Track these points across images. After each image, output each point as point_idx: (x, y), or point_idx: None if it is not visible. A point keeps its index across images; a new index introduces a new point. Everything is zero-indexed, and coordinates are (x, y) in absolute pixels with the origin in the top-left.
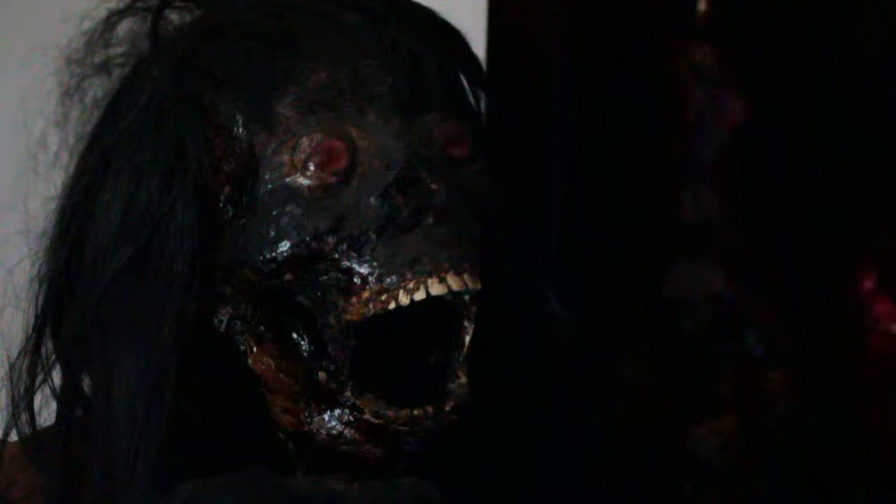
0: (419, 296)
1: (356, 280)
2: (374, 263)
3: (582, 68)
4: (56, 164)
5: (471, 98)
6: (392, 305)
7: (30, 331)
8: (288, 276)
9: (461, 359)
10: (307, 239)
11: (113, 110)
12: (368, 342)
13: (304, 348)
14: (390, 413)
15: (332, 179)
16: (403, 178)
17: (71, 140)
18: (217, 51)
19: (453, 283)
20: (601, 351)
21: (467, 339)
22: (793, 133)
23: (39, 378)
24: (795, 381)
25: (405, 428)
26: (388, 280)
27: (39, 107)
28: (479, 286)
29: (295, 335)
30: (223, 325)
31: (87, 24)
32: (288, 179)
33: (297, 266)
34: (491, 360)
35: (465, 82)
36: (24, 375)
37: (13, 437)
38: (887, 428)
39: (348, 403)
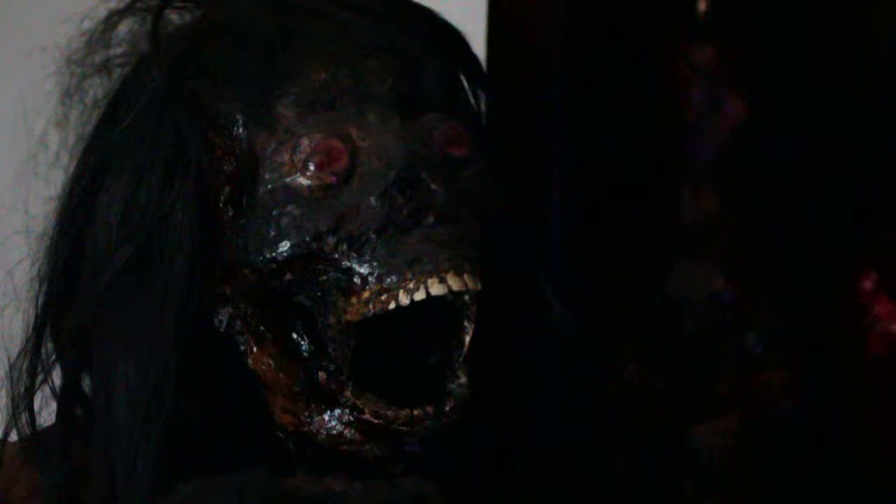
0: (419, 296)
1: (356, 280)
2: (374, 263)
3: (582, 68)
4: (56, 164)
5: (471, 98)
6: (392, 305)
7: (30, 331)
8: (288, 276)
9: (461, 359)
10: (307, 239)
11: (113, 110)
12: (368, 342)
13: (304, 348)
14: (390, 413)
15: (332, 179)
16: (403, 178)
17: (71, 140)
18: (217, 51)
19: (453, 283)
20: (601, 351)
21: (467, 339)
22: (793, 132)
23: (39, 378)
24: (795, 381)
25: (405, 428)
26: (388, 280)
27: (39, 107)
28: (479, 286)
29: (295, 335)
30: (223, 325)
31: (87, 24)
32: (288, 179)
33: (297, 266)
34: (491, 360)
35: (465, 82)
36: (24, 375)
37: (13, 437)
38: (887, 428)
39: (348, 403)
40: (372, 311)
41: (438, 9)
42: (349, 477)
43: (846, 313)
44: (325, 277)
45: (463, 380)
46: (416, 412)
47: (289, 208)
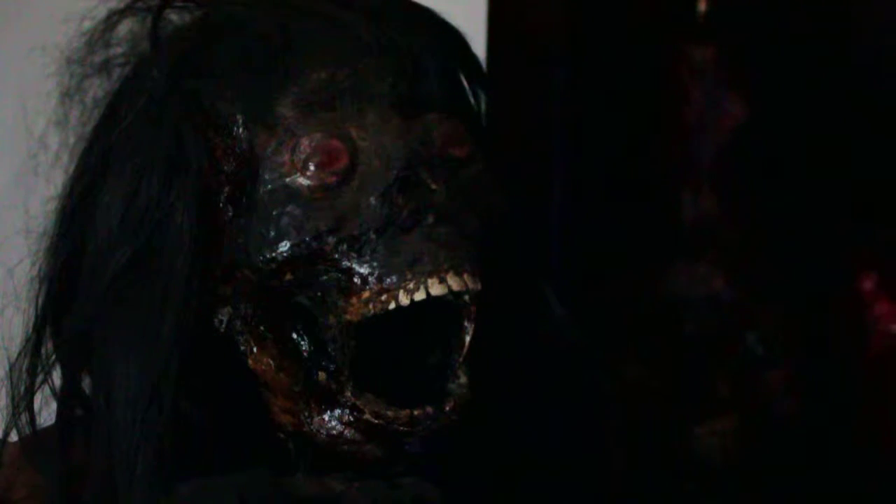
0: (419, 296)
1: (356, 280)
2: (374, 263)
3: (582, 68)
4: (56, 164)
5: (471, 98)
6: (392, 305)
7: (30, 331)
8: (288, 276)
9: (461, 359)
10: (307, 239)
11: (113, 110)
12: (368, 342)
13: (304, 348)
14: (390, 413)
15: (332, 179)
16: (403, 178)
17: (71, 140)
18: (217, 51)
19: (453, 283)
20: (601, 351)
21: (467, 339)
22: (793, 133)
23: (39, 378)
24: (795, 381)
25: (405, 428)
26: (388, 280)
27: (39, 107)
28: (479, 286)
29: (295, 335)
30: (223, 325)
31: (87, 24)
32: (288, 179)
33: (297, 266)
34: (491, 360)
35: (465, 82)
36: (24, 375)
37: (13, 437)
38: (887, 428)
39: (348, 403)
40: (372, 311)
41: (438, 9)
42: (349, 477)
43: (846, 313)
44: (325, 277)
45: (463, 380)
46: (416, 412)
47: (289, 208)
